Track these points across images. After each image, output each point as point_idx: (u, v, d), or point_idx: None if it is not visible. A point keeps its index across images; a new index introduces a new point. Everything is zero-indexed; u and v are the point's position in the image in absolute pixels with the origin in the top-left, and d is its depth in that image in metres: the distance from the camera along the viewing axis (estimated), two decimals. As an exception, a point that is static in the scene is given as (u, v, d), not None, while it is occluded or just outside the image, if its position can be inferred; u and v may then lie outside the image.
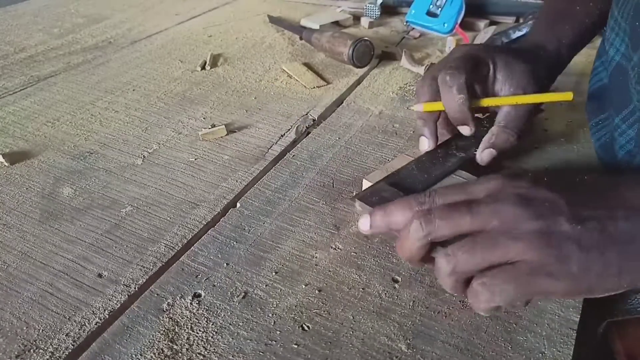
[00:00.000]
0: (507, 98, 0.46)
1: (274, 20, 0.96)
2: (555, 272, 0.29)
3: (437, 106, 0.46)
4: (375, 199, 0.40)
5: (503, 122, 0.46)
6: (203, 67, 0.78)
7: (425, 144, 0.48)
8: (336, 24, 0.94)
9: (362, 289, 0.39)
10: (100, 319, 0.37)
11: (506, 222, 0.30)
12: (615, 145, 0.49)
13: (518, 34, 0.76)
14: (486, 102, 0.46)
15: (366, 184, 0.45)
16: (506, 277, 0.30)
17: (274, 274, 0.41)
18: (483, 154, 0.47)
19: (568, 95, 0.46)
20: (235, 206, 0.49)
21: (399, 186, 0.42)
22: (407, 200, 0.34)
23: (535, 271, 0.29)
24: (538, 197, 0.31)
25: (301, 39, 0.87)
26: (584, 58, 0.70)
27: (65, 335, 0.36)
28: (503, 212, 0.31)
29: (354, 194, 0.42)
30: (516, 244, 0.30)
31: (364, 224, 0.36)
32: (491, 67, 0.47)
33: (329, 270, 0.41)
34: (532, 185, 0.32)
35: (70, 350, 0.35)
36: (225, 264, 0.42)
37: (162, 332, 0.36)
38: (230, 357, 0.34)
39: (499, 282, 0.30)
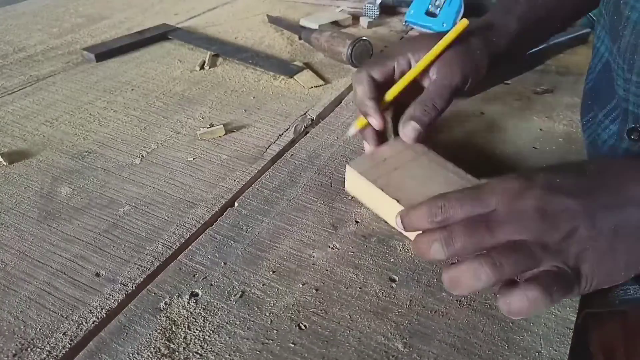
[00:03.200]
0: (404, 78, 0.45)
1: (273, 20, 0.96)
2: (573, 278, 0.31)
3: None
4: None
5: (420, 97, 0.44)
6: (202, 67, 0.78)
7: (366, 147, 0.47)
8: (335, 23, 0.94)
9: (359, 288, 0.39)
10: (98, 318, 0.37)
11: (530, 237, 0.31)
12: (599, 141, 0.49)
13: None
14: (390, 94, 0.46)
15: (350, 171, 0.44)
16: (534, 288, 0.31)
17: (271, 273, 0.41)
18: (405, 129, 0.43)
19: (463, 23, 0.45)
20: (233, 205, 0.49)
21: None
22: (423, 209, 0.35)
23: (559, 279, 0.31)
24: (555, 207, 0.31)
25: (300, 38, 0.87)
26: (584, 58, 0.70)
27: (63, 334, 0.36)
28: (525, 229, 0.31)
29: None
30: (545, 255, 0.31)
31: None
32: (411, 58, 0.46)
33: (327, 270, 0.41)
34: (547, 193, 0.32)
35: (67, 349, 0.35)
36: (222, 263, 0.42)
37: (159, 331, 0.36)
38: (227, 356, 0.34)
39: (530, 291, 0.31)
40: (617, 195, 0.32)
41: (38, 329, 0.36)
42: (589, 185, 0.33)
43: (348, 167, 0.44)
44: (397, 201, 0.39)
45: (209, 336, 0.36)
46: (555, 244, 0.31)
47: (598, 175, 0.34)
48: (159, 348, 0.35)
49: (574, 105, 0.64)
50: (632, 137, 0.44)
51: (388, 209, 0.41)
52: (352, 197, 0.49)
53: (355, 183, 0.44)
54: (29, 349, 0.35)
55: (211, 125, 0.61)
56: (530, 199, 0.32)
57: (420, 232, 0.35)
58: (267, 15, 0.99)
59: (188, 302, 0.38)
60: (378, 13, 0.97)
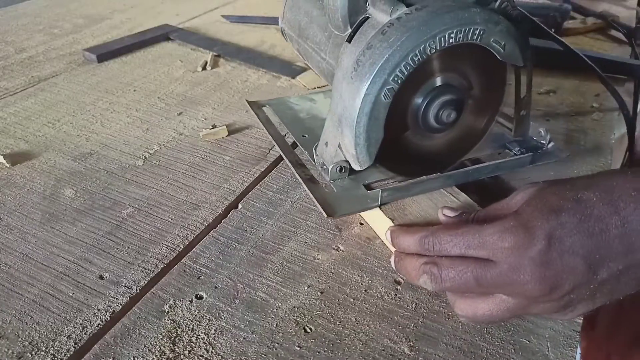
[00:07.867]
0: None
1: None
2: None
3: None
4: None
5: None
6: (204, 68, 0.78)
7: None
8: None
9: (365, 290, 0.39)
10: (102, 321, 0.37)
11: (523, 299, 0.31)
12: None
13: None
14: None
15: None
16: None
17: (275, 275, 0.41)
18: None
19: None
20: (237, 207, 0.49)
21: None
22: (414, 238, 0.35)
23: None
24: (557, 268, 0.29)
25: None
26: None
27: (67, 337, 0.36)
28: (518, 292, 0.30)
29: None
30: (531, 305, 0.31)
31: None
32: None
33: (331, 272, 0.41)
34: (548, 252, 0.29)
35: (71, 352, 0.35)
36: (227, 266, 0.42)
37: (163, 334, 0.36)
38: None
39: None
40: (626, 239, 0.29)
41: (42, 332, 0.36)
42: (598, 228, 0.29)
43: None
44: (392, 220, 0.40)
45: (213, 339, 0.36)
46: (547, 301, 0.30)
47: (608, 206, 0.29)
48: (163, 351, 0.35)
49: (576, 105, 0.64)
50: None
51: (381, 224, 0.42)
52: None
53: None
54: (33, 352, 0.35)
55: (214, 127, 0.61)
56: (528, 263, 0.29)
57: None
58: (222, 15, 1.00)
59: (193, 305, 0.38)
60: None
